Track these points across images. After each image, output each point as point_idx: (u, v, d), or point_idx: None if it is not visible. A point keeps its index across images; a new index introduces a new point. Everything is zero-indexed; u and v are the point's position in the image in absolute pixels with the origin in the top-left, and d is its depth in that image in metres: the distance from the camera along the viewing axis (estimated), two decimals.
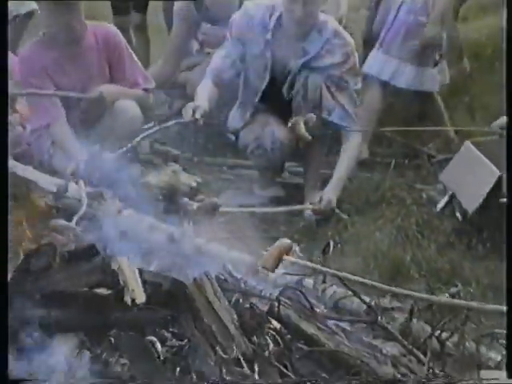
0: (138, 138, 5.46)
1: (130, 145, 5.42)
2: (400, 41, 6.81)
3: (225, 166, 6.43)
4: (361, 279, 3.83)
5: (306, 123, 5.36)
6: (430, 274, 4.67)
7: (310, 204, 5.64)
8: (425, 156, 6.81)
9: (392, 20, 6.87)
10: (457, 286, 4.20)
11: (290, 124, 5.61)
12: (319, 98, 5.90)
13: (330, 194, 5.73)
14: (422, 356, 3.72)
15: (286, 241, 3.70)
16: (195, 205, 4.77)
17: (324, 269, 3.96)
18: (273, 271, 3.66)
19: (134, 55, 6.70)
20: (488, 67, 8.65)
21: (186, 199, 5.13)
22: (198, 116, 5.56)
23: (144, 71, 6.75)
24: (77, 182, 5.15)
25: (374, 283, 3.92)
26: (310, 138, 5.28)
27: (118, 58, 6.39)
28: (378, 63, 6.78)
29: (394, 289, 4.02)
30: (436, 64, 6.92)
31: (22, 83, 6.25)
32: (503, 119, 5.00)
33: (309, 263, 4.02)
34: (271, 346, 3.65)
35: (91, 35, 6.31)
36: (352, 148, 5.96)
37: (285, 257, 3.61)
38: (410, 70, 6.81)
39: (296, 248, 4.35)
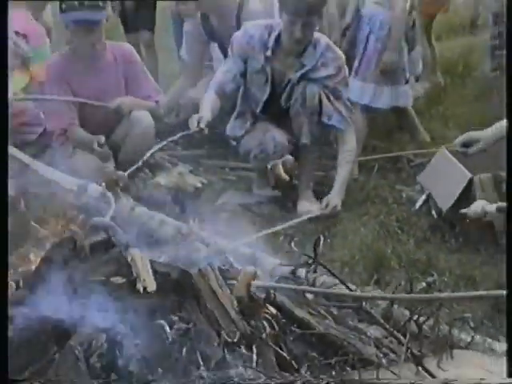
0: (148, 154, 5.44)
1: (140, 161, 5.40)
2: (374, 68, 6.81)
3: (227, 167, 6.39)
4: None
5: (284, 165, 5.34)
6: (409, 265, 4.66)
7: (320, 210, 5.65)
8: (404, 160, 6.79)
9: (363, 49, 6.85)
10: (433, 275, 4.18)
11: (269, 166, 5.61)
12: (318, 105, 5.90)
13: (335, 199, 5.74)
14: (401, 337, 3.72)
15: (250, 268, 3.70)
16: None
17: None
18: (248, 297, 3.65)
19: (146, 70, 6.75)
20: (460, 82, 8.67)
21: None
22: (202, 126, 5.56)
23: (155, 85, 6.79)
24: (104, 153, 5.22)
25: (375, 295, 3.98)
26: (288, 178, 5.23)
27: (133, 73, 6.44)
28: (356, 90, 6.75)
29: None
30: (407, 81, 6.90)
31: (45, 88, 6.31)
32: (466, 136, 4.96)
33: None
34: (268, 329, 3.65)
35: (110, 52, 6.37)
36: (349, 152, 5.97)
37: (252, 282, 3.61)
38: (386, 90, 6.80)
39: (292, 242, 4.41)
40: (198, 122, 5.58)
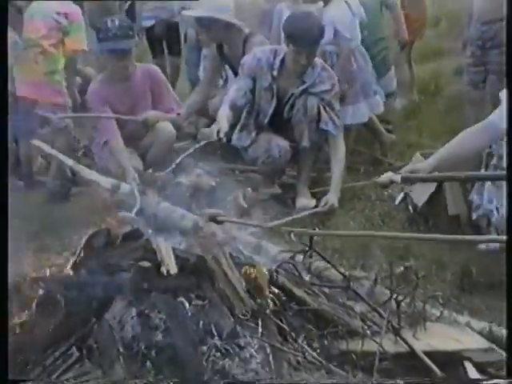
0: (178, 160, 5.43)
1: (174, 164, 5.40)
2: (354, 92, 6.69)
3: (237, 170, 6.37)
4: None
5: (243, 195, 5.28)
6: (389, 252, 4.65)
7: (320, 207, 5.60)
8: (386, 164, 6.75)
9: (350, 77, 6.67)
10: (409, 260, 4.21)
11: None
12: (317, 114, 5.90)
13: (332, 198, 5.65)
14: (383, 312, 3.71)
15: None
16: None
17: None
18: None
19: (170, 87, 6.78)
20: (431, 99, 8.67)
21: None
22: (221, 135, 5.59)
23: (177, 99, 6.80)
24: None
25: None
26: (246, 206, 5.14)
27: (158, 89, 6.44)
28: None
29: None
30: (375, 93, 6.88)
31: (91, 109, 6.31)
32: (409, 166, 4.93)
33: None
34: (271, 305, 3.65)
35: (139, 73, 6.38)
36: (340, 156, 5.93)
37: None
38: (362, 106, 6.70)
39: (291, 233, 4.39)
40: (218, 132, 5.59)
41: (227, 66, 7.09)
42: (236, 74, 6.65)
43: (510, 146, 3.41)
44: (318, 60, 6.00)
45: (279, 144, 6.01)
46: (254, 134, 6.07)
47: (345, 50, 6.38)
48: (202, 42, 7.77)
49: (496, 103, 7.09)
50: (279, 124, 6.07)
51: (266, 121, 6.05)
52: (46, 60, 6.57)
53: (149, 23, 8.87)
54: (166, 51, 9.15)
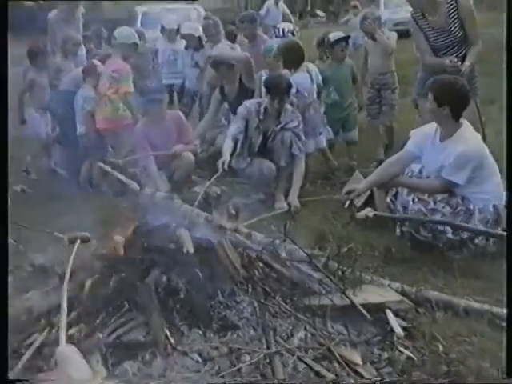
0: (207, 183, 5.41)
1: (203, 189, 5.27)
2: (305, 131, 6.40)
3: (234, 182, 6.33)
4: None
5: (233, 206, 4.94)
6: (338, 239, 4.62)
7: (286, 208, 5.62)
8: (336, 179, 6.61)
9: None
10: (351, 244, 4.27)
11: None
12: (290, 144, 5.92)
13: (294, 201, 5.71)
14: (333, 278, 3.76)
15: None
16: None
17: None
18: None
19: (189, 126, 6.76)
20: None
21: None
22: (225, 167, 5.59)
23: (193, 134, 6.76)
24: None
25: None
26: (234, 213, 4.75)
27: (181, 128, 6.43)
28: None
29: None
30: (321, 133, 6.71)
31: (137, 146, 6.32)
32: (348, 186, 5.06)
33: None
34: (257, 275, 3.75)
35: (169, 117, 6.39)
36: (300, 172, 5.98)
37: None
38: (310, 142, 6.49)
39: (271, 225, 4.45)
40: (223, 164, 5.60)
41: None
42: (231, 109, 6.78)
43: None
44: (288, 106, 6.02)
45: (268, 166, 5.99)
46: (248, 159, 6.03)
47: (301, 103, 6.35)
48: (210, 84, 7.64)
49: (388, 129, 7.18)
50: (264, 151, 6.05)
51: (256, 149, 6.04)
52: (110, 103, 6.68)
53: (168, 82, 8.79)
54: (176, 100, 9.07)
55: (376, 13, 7.74)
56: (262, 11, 15.09)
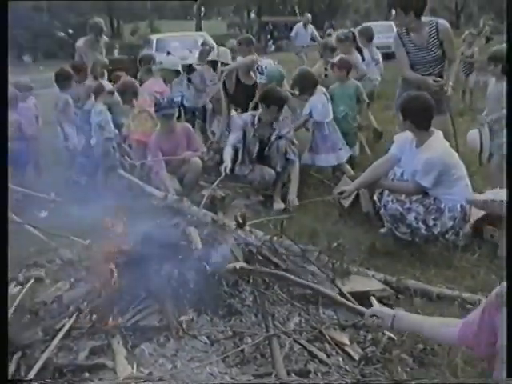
0: (213, 185, 5.37)
1: (210, 190, 5.30)
2: (325, 148, 6.41)
3: (237, 186, 6.24)
4: None
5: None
6: (328, 235, 4.62)
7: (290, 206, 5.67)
8: (327, 182, 6.38)
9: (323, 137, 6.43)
10: (340, 239, 4.27)
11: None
12: (285, 151, 5.90)
13: (293, 200, 5.72)
14: (324, 270, 3.78)
15: None
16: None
17: None
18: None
19: (196, 136, 6.75)
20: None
21: None
22: (227, 172, 5.61)
23: (201, 142, 6.79)
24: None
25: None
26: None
27: (189, 137, 6.40)
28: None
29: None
30: (341, 149, 6.53)
31: (151, 154, 6.28)
32: (342, 188, 4.93)
33: None
34: (257, 266, 3.68)
35: (179, 128, 6.38)
36: (296, 173, 5.95)
37: None
38: (331, 156, 6.37)
39: (270, 223, 4.42)
40: (225, 169, 5.61)
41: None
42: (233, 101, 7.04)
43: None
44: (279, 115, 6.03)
45: (268, 172, 5.97)
46: (250, 166, 6.01)
47: (319, 122, 6.29)
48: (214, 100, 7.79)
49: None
50: (262, 159, 6.05)
51: (254, 155, 6.03)
52: (150, 119, 6.74)
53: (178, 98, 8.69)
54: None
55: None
56: (292, 33, 15.05)
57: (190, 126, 6.70)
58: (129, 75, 8.14)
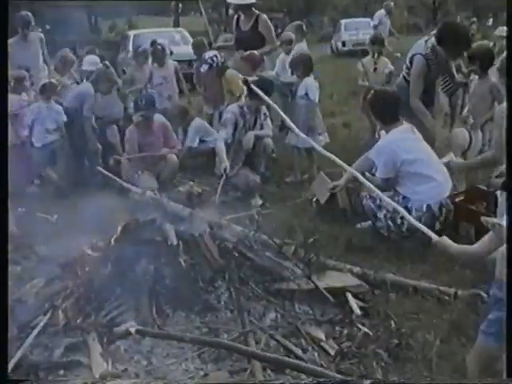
0: (219, 189, 5.32)
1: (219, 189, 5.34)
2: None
3: (215, 182, 6.03)
4: None
5: None
6: (305, 231, 4.42)
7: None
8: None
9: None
10: (315, 235, 4.23)
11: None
12: (271, 151, 6.11)
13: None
14: (300, 265, 3.78)
15: None
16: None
17: None
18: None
19: (173, 132, 6.70)
20: None
21: None
22: (228, 172, 5.63)
23: (177, 140, 6.72)
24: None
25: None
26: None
27: (166, 133, 6.43)
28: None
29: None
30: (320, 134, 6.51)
31: (127, 148, 6.29)
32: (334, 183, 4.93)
33: None
34: (233, 262, 3.71)
35: (156, 124, 6.36)
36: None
37: None
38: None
39: (247, 219, 4.44)
40: (225, 170, 5.61)
41: None
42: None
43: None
44: (265, 110, 6.11)
45: (253, 179, 5.98)
46: (236, 169, 5.97)
47: (308, 104, 6.19)
48: None
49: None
50: (247, 159, 6.11)
51: (243, 157, 6.06)
52: None
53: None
54: None
55: None
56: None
57: (167, 122, 6.59)
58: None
